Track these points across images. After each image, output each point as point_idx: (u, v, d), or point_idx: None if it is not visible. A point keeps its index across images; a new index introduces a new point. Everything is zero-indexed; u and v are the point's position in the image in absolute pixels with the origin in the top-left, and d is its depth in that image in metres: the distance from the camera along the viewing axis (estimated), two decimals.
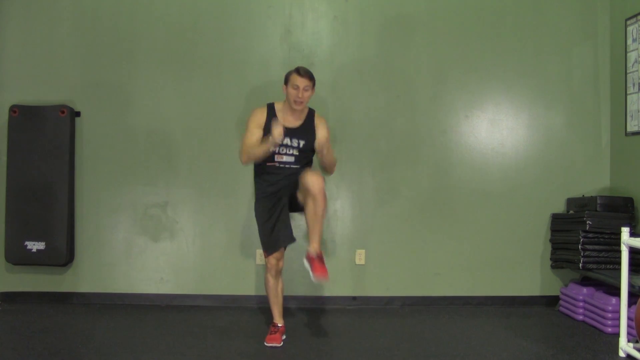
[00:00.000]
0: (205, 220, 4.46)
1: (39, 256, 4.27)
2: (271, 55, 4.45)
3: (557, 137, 4.54)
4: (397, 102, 4.50)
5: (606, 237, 4.01)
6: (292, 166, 3.48)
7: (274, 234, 3.43)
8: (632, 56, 4.22)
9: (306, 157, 3.56)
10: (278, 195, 3.48)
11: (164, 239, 4.44)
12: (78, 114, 4.42)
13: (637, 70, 4.16)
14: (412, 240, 4.47)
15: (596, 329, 3.80)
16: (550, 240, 4.44)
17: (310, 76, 3.44)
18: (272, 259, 3.47)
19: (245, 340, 3.56)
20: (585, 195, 4.35)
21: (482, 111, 4.53)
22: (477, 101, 4.52)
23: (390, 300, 4.47)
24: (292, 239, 3.48)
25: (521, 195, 4.50)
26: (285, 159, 3.48)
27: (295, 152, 3.49)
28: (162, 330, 3.78)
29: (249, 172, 3.88)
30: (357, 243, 4.46)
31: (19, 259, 4.29)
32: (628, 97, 4.27)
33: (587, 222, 4.02)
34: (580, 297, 4.03)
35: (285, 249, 3.53)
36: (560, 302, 4.29)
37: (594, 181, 4.50)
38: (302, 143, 3.49)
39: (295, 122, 3.51)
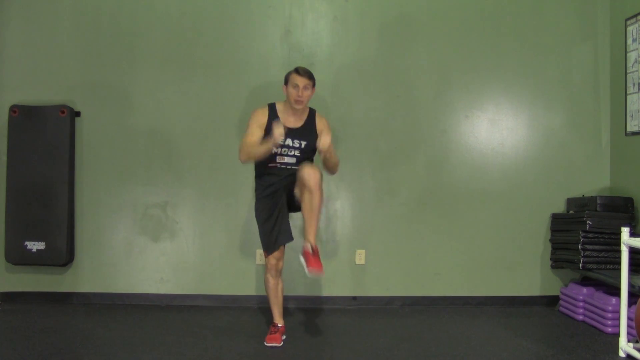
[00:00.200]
0: (205, 220, 4.46)
1: (39, 256, 4.27)
2: (271, 55, 4.46)
3: (556, 137, 4.54)
4: (397, 102, 4.50)
5: (606, 237, 4.01)
6: (293, 167, 3.48)
7: (274, 232, 3.43)
8: (632, 56, 4.22)
9: (308, 157, 3.55)
10: (278, 195, 3.48)
11: (164, 239, 4.44)
12: (78, 114, 4.42)
13: (637, 70, 4.16)
14: (412, 240, 4.47)
15: (596, 329, 3.80)
16: (550, 240, 4.45)
17: (309, 75, 3.44)
18: (272, 259, 3.47)
19: (245, 340, 3.56)
20: (585, 195, 4.35)
21: (482, 111, 4.53)
22: (477, 101, 4.52)
23: (390, 300, 4.47)
24: (290, 238, 3.48)
25: (521, 195, 4.50)
26: (287, 160, 3.48)
27: (297, 153, 3.49)
28: (162, 330, 3.78)
29: (249, 172, 3.89)
30: (357, 243, 4.46)
31: (19, 259, 4.29)
32: (628, 97, 4.27)
33: (587, 222, 4.02)
34: (580, 297, 4.03)
35: (284, 248, 3.53)
36: (560, 302, 4.29)
37: (594, 181, 4.50)
38: (303, 144, 3.49)
39: (296, 122, 3.51)
